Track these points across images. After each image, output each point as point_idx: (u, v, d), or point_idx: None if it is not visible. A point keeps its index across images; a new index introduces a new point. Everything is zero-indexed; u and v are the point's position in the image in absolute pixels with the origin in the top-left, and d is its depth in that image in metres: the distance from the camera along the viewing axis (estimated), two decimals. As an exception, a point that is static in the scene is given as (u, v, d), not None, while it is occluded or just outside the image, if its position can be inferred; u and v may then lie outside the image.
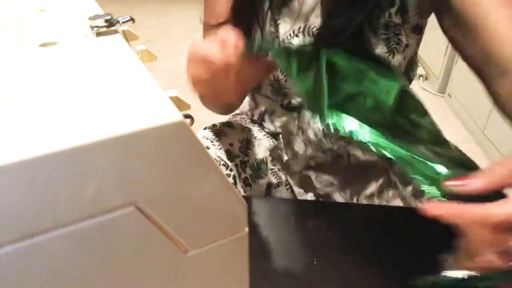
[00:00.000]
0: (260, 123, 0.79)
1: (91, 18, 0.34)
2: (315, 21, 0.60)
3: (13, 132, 0.21)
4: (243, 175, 0.74)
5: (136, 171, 0.23)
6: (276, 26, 0.62)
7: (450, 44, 0.58)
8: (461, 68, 1.93)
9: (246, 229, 0.31)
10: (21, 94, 0.25)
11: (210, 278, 0.32)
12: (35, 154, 0.20)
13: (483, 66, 0.51)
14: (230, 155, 0.73)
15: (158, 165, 0.24)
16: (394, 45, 0.59)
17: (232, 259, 0.33)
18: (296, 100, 0.69)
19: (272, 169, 0.76)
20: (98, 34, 0.34)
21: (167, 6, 3.63)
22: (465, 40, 0.52)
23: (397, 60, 0.60)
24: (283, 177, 0.76)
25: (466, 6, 0.49)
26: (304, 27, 0.61)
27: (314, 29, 0.60)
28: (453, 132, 1.81)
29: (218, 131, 0.75)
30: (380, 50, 0.59)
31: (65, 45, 0.32)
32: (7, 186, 0.20)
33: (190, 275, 0.31)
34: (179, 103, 0.31)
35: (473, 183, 0.33)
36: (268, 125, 0.77)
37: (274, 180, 0.77)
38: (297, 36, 0.62)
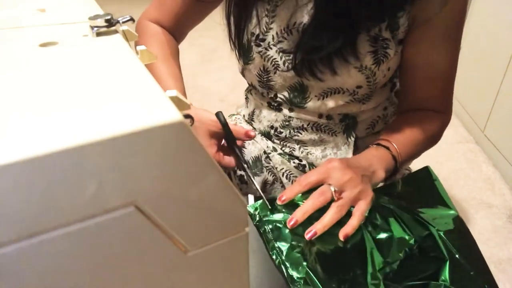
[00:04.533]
0: (250, 122, 0.82)
1: (91, 18, 0.34)
2: (302, 19, 0.62)
3: (13, 132, 0.21)
4: (238, 173, 0.75)
5: (136, 171, 0.23)
6: (272, 19, 0.64)
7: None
8: (460, 68, 1.93)
9: (246, 229, 0.31)
10: (21, 94, 0.25)
11: (210, 278, 0.32)
12: (35, 154, 0.20)
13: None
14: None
15: (158, 165, 0.24)
16: (381, 57, 0.61)
17: (232, 259, 0.33)
18: (282, 94, 0.70)
19: (267, 166, 0.77)
20: (98, 34, 0.34)
21: (167, 6, 3.61)
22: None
23: (382, 71, 0.63)
24: (279, 174, 0.77)
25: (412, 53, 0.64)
26: (292, 25, 0.62)
27: (300, 27, 0.62)
28: (453, 132, 1.81)
29: None
30: (367, 62, 0.61)
31: (65, 45, 0.32)
32: (7, 186, 0.20)
33: (190, 275, 0.31)
34: (179, 103, 0.31)
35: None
36: (256, 124, 0.79)
37: (270, 177, 0.77)
38: (284, 38, 0.63)
